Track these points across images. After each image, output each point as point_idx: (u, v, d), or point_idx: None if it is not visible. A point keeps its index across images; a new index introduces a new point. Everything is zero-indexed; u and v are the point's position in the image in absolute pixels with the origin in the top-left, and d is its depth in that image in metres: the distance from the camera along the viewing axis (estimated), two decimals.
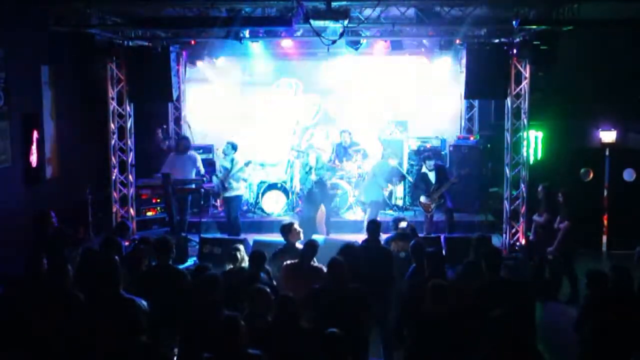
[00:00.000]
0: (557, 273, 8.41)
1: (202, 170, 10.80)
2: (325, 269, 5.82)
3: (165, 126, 12.60)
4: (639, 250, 6.52)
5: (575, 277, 8.12)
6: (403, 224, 7.63)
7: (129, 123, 10.59)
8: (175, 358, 5.24)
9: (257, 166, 12.21)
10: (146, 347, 4.32)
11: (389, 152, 11.04)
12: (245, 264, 6.32)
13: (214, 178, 10.74)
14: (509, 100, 10.22)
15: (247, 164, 10.76)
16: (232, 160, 10.55)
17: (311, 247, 6.39)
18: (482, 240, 6.74)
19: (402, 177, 11.36)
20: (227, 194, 10.53)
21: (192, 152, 10.88)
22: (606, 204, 11.19)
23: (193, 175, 10.64)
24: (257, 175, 12.21)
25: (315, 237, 8.95)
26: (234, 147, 10.63)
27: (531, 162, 10.57)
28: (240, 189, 10.77)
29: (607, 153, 11.27)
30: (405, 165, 12.31)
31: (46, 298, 5.12)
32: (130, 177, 10.63)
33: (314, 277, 5.90)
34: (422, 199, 10.37)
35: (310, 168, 10.65)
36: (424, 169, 10.47)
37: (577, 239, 8.66)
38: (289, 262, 6.33)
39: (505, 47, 9.87)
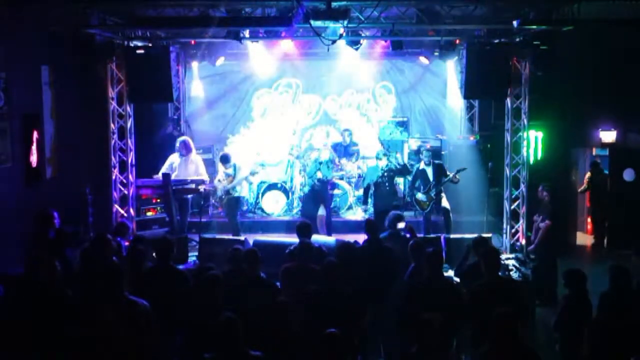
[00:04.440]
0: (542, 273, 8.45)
1: (206, 177, 10.69)
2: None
3: (176, 117, 12.60)
4: (635, 249, 6.54)
5: (555, 277, 8.14)
6: (401, 225, 7.60)
7: (129, 123, 10.58)
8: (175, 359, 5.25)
9: (258, 167, 12.22)
10: (149, 348, 4.33)
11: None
12: None
13: (216, 183, 10.69)
14: (508, 101, 10.22)
15: (252, 174, 10.73)
16: (234, 166, 10.54)
17: (307, 248, 6.39)
18: (481, 241, 6.72)
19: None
20: (230, 196, 10.53)
21: (194, 156, 10.83)
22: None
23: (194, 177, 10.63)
24: (257, 175, 12.21)
25: (322, 237, 9.00)
26: (228, 159, 10.56)
27: (531, 162, 10.57)
28: (242, 191, 10.77)
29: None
30: None
31: (47, 298, 5.12)
32: (130, 177, 10.63)
33: (311, 279, 5.90)
34: (419, 196, 10.35)
35: (321, 163, 10.62)
36: (422, 166, 10.45)
37: (559, 238, 8.72)
38: (287, 264, 6.34)
39: (505, 47, 9.87)
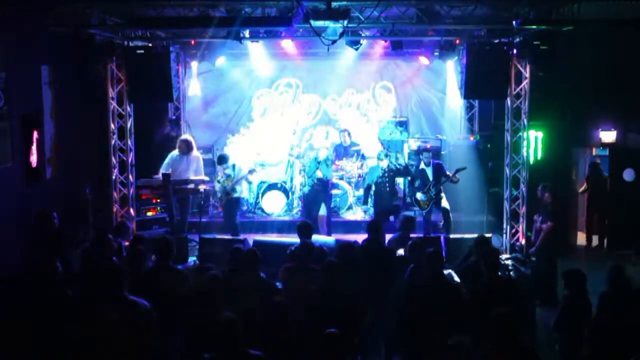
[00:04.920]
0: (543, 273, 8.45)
1: (203, 175, 10.67)
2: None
3: (174, 117, 12.62)
4: (635, 250, 6.54)
5: (555, 278, 8.13)
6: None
7: (129, 123, 10.59)
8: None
9: (257, 166, 12.22)
10: (150, 348, 4.33)
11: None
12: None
13: (216, 184, 10.70)
14: (509, 100, 10.22)
15: (251, 172, 10.72)
16: (233, 167, 10.54)
17: (308, 248, 6.39)
18: (483, 241, 6.72)
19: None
20: (228, 197, 10.52)
21: (195, 153, 10.81)
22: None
23: (194, 176, 10.63)
24: (257, 175, 12.21)
25: (322, 237, 9.00)
26: (226, 159, 10.55)
27: (531, 162, 10.58)
28: (242, 191, 10.78)
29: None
30: None
31: (47, 298, 5.12)
32: (130, 177, 10.63)
33: (312, 279, 5.90)
34: (419, 195, 10.35)
35: (319, 162, 10.60)
36: (421, 166, 10.45)
37: (559, 240, 8.73)
38: (288, 264, 6.34)
39: (505, 47, 9.87)
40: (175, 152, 10.63)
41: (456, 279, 6.77)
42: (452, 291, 5.68)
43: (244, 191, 10.97)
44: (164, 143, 11.87)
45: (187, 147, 10.57)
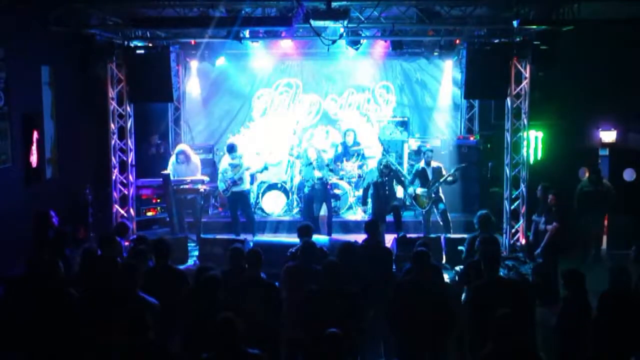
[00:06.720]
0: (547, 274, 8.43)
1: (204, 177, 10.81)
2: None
3: (159, 142, 12.61)
4: (635, 250, 6.53)
5: (557, 278, 8.13)
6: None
7: (129, 123, 10.59)
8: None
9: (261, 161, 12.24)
10: (154, 344, 4.33)
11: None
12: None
13: (220, 184, 10.72)
14: (509, 100, 10.22)
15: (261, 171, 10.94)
16: (240, 157, 10.62)
17: (309, 249, 6.38)
18: (488, 240, 6.70)
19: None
20: (237, 189, 10.54)
21: (194, 160, 10.91)
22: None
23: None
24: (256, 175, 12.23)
25: (318, 237, 8.99)
26: (235, 148, 10.66)
27: (531, 162, 10.57)
28: (246, 184, 10.80)
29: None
30: (405, 165, 12.31)
31: (47, 297, 5.12)
32: (130, 177, 10.63)
33: (313, 279, 5.90)
34: (419, 191, 10.31)
35: (310, 163, 10.60)
36: (422, 165, 10.44)
37: (563, 241, 8.74)
38: (289, 264, 6.34)
39: (505, 47, 9.88)
40: (174, 160, 10.74)
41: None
42: (441, 292, 5.65)
43: (247, 184, 10.95)
44: (153, 161, 11.86)
45: (186, 158, 10.80)
